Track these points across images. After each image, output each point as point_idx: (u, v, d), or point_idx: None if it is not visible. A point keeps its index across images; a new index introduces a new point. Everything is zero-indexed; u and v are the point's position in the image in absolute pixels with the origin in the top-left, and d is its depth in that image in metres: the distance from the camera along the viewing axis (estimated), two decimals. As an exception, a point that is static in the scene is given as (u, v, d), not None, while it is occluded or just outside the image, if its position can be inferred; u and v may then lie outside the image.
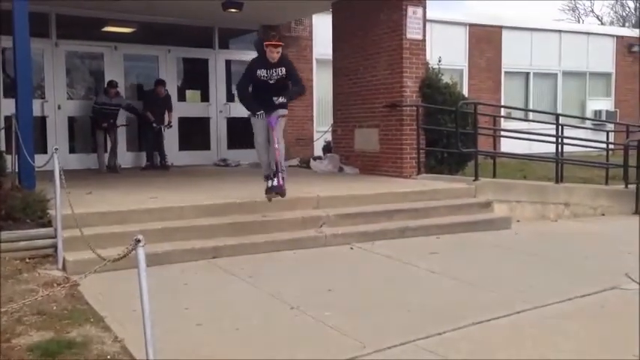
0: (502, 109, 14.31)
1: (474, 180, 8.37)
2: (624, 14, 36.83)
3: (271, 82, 6.47)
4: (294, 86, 6.67)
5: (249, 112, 6.66)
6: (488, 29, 15.49)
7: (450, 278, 5.33)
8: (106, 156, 10.87)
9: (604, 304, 4.64)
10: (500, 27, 15.64)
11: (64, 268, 5.28)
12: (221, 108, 12.64)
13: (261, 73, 6.43)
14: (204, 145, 12.57)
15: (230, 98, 12.83)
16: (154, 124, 11.07)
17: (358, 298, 4.75)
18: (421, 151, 9.38)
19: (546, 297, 4.70)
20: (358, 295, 4.83)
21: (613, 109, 16.81)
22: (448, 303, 4.63)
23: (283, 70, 6.47)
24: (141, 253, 2.94)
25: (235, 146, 12.72)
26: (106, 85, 10.88)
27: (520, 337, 3.96)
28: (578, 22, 36.04)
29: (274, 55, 6.37)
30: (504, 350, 3.71)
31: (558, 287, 5.02)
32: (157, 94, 11.15)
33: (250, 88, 6.64)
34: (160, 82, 11.27)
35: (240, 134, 12.86)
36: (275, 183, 6.41)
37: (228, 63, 12.91)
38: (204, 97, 12.60)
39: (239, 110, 12.72)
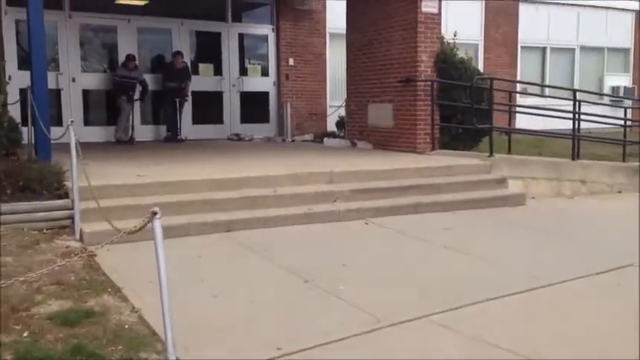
0: (518, 84, 14.14)
1: (489, 156, 8.31)
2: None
3: None
4: None
5: None
6: (505, 3, 15.20)
7: (463, 254, 5.33)
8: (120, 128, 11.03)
9: (620, 281, 4.62)
10: (517, 0, 15.37)
11: (81, 239, 5.34)
12: (234, 82, 12.60)
13: None
14: (218, 119, 12.55)
15: (243, 72, 12.78)
16: (175, 98, 11.24)
17: (372, 272, 4.77)
18: (435, 126, 9.31)
19: (561, 274, 4.69)
20: (372, 269, 4.85)
21: (631, 86, 16.55)
22: (462, 279, 4.64)
23: None
24: (157, 225, 2.96)
25: (248, 120, 12.71)
26: (124, 59, 10.94)
27: (535, 313, 3.97)
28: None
29: None
30: (519, 326, 3.72)
31: (574, 264, 5.01)
32: (175, 66, 11.20)
33: None
34: (178, 53, 11.37)
35: (252, 109, 12.87)
36: None
37: (241, 37, 12.83)
38: (217, 71, 12.56)
39: (252, 84, 12.79)
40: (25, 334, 3.41)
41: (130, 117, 11.16)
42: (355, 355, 3.32)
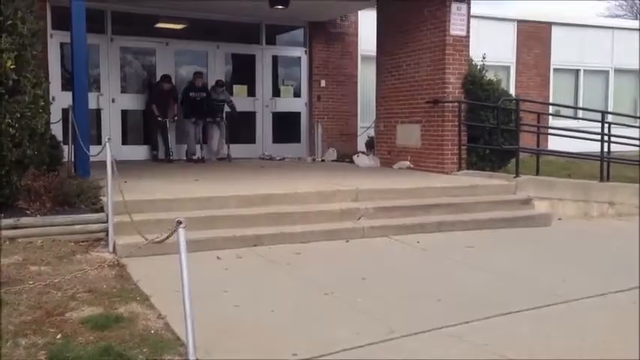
0: (550, 106, 14.09)
1: (515, 177, 8.36)
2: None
3: None
4: None
5: None
6: (538, 25, 15.26)
7: (483, 271, 5.41)
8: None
9: (637, 300, 4.63)
10: (550, 23, 15.38)
11: (114, 251, 5.60)
12: (267, 103, 12.92)
13: None
14: (250, 138, 12.86)
15: (276, 93, 13.10)
16: (159, 118, 11.35)
17: (391, 286, 4.89)
18: (462, 147, 9.40)
19: (579, 292, 4.74)
20: (391, 284, 4.97)
21: (667, 108, 16.32)
22: (480, 294, 4.72)
23: None
24: (182, 233, 3.18)
25: (280, 140, 12.99)
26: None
27: (547, 328, 4.03)
28: (636, 18, 34.91)
29: None
30: (530, 339, 3.79)
31: (592, 283, 5.03)
32: (162, 88, 11.42)
33: None
34: (165, 78, 11.50)
35: (284, 129, 13.16)
36: None
37: (274, 59, 13.18)
38: (251, 92, 12.90)
39: (284, 105, 13.08)
40: (59, 337, 3.64)
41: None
42: (367, 362, 3.45)
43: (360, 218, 6.83)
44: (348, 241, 6.40)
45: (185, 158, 11.52)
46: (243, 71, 13.09)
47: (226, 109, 11.88)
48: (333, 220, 6.71)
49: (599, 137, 9.29)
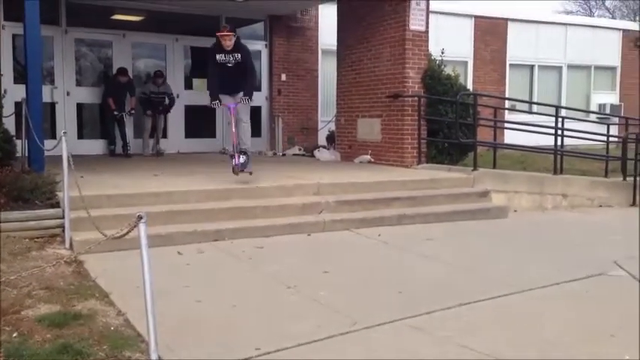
0: (507, 101, 14.39)
1: (473, 170, 8.52)
2: (635, 8, 36.63)
3: None
4: None
5: None
6: (494, 21, 15.56)
7: (442, 263, 5.50)
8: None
9: (589, 289, 4.80)
10: (506, 19, 15.71)
11: (71, 247, 5.48)
12: (227, 97, 12.78)
13: None
14: (210, 133, 12.72)
15: (236, 87, 12.96)
16: (115, 112, 11.10)
17: (353, 279, 4.93)
18: (422, 140, 9.52)
19: (534, 281, 4.87)
20: (353, 276, 5.02)
21: (618, 103, 16.85)
22: (439, 285, 4.80)
23: None
24: (142, 228, 3.14)
25: (241, 134, 12.87)
26: (152, 75, 11.55)
27: (505, 316, 4.14)
28: (591, 15, 35.94)
29: None
30: (489, 328, 3.88)
31: (547, 273, 5.18)
32: (118, 81, 11.17)
33: None
34: (121, 71, 11.23)
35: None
36: None
37: (234, 52, 13.03)
38: (211, 86, 12.72)
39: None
40: (15, 335, 3.55)
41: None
42: (330, 353, 3.47)
43: (321, 212, 6.86)
44: (309, 235, 6.42)
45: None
46: (203, 65, 12.86)
47: (166, 101, 11.60)
48: (295, 214, 6.72)
49: (553, 131, 9.55)
